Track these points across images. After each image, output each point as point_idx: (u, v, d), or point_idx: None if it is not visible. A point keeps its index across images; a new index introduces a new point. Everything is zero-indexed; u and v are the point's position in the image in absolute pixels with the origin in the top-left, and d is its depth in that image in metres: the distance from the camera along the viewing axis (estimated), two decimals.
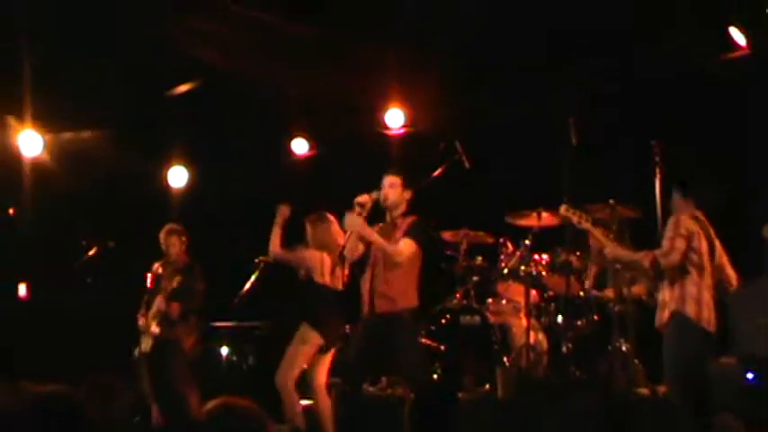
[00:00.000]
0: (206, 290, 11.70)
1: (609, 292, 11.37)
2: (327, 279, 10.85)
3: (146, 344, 11.75)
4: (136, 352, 11.90)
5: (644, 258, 8.70)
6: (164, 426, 11.03)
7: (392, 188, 9.64)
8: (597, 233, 9.08)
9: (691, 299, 8.56)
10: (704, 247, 8.66)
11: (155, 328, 11.59)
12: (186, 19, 12.42)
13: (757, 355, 10.62)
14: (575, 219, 9.27)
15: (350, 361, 9.81)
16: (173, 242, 11.88)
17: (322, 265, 10.85)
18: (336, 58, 13.24)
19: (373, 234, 9.47)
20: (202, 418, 4.97)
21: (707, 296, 8.62)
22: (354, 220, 9.45)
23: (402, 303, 9.51)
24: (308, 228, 11.05)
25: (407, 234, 9.50)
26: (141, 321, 11.82)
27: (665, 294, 8.66)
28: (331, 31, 12.75)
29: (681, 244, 8.56)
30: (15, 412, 3.62)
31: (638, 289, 11.02)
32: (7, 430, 3.60)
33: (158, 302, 11.62)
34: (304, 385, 10.84)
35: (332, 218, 10.96)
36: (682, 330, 8.58)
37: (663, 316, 8.67)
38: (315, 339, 10.69)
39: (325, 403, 10.67)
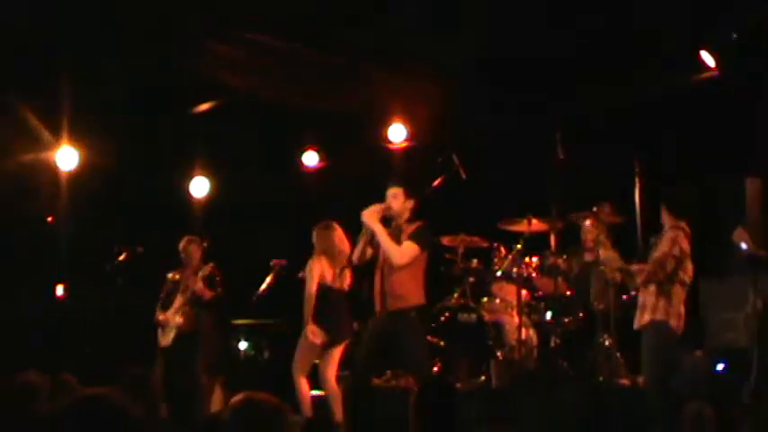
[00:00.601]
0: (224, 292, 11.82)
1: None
2: (330, 281, 10.99)
3: (166, 338, 11.82)
4: (159, 345, 11.94)
5: (639, 273, 8.91)
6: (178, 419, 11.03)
7: (395, 198, 9.70)
8: (608, 246, 9.26)
9: (675, 313, 8.83)
10: (690, 266, 8.90)
11: (178, 320, 11.67)
12: (208, 45, 12.54)
13: (726, 348, 10.76)
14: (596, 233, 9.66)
15: (361, 356, 9.90)
16: (193, 249, 11.98)
17: (323, 270, 11.02)
18: (343, 78, 13.35)
19: (383, 233, 9.54)
20: (227, 412, 5.10)
21: (683, 309, 8.90)
22: (371, 210, 9.57)
23: (412, 300, 9.64)
24: (315, 235, 11.15)
25: (411, 237, 9.57)
26: (161, 317, 11.91)
27: (648, 299, 8.85)
28: (337, 55, 12.85)
29: (671, 265, 8.79)
30: (62, 412, 3.68)
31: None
32: (53, 429, 3.67)
33: (181, 297, 11.72)
34: (317, 377, 11.03)
35: (336, 225, 11.10)
36: (664, 339, 8.88)
37: (644, 319, 8.87)
38: (319, 337, 10.89)
39: (335, 393, 10.82)
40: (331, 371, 10.93)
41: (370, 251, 9.83)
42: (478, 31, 11.98)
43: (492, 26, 11.87)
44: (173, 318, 11.71)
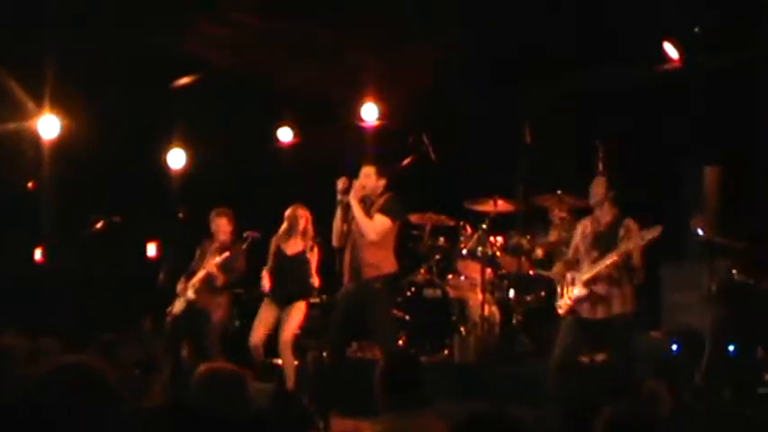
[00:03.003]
0: (247, 269, 11.69)
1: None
2: (287, 251, 11.25)
3: (178, 306, 11.66)
4: (167, 311, 11.78)
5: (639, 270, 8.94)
6: (173, 383, 11.04)
7: (368, 177, 9.73)
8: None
9: (631, 298, 8.89)
10: None
11: (191, 295, 11.54)
12: (189, 21, 12.51)
13: (681, 329, 10.85)
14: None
15: (331, 327, 9.96)
16: (222, 223, 11.74)
17: (279, 241, 11.34)
18: (319, 56, 13.33)
19: (358, 208, 9.60)
20: (191, 382, 5.13)
21: None
22: (355, 189, 9.66)
23: (384, 269, 9.69)
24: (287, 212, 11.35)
25: (381, 210, 9.65)
26: (181, 286, 11.73)
27: (612, 291, 8.88)
28: (315, 33, 12.84)
29: None
30: (41, 379, 3.67)
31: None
32: (31, 396, 3.65)
33: (200, 273, 11.52)
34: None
35: (302, 206, 11.32)
36: (632, 330, 8.96)
37: (613, 310, 8.89)
38: (266, 281, 11.22)
39: (290, 361, 10.90)
40: (287, 334, 10.96)
41: (344, 227, 9.88)
42: (454, 20, 11.98)
43: (466, 15, 11.88)
44: (186, 291, 11.61)
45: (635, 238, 8.62)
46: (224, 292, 11.65)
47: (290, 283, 11.20)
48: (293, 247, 11.27)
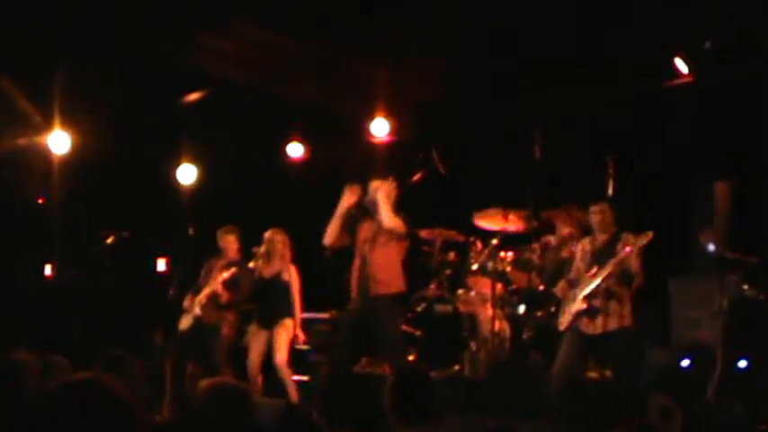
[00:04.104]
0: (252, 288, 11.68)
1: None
2: (264, 275, 11.45)
3: (185, 323, 11.70)
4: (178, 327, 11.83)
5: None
6: (175, 400, 11.09)
7: (380, 191, 9.88)
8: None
9: (629, 313, 8.90)
10: None
11: (198, 311, 11.56)
12: (198, 36, 12.52)
13: (692, 345, 10.82)
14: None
15: (339, 342, 9.97)
16: (230, 240, 11.79)
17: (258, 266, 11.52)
18: (330, 72, 13.34)
19: (386, 205, 9.80)
20: (196, 397, 5.12)
21: None
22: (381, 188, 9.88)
23: (392, 287, 9.74)
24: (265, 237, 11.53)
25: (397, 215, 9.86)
26: (188, 302, 11.74)
27: (611, 306, 8.89)
28: (325, 48, 12.83)
29: None
30: (52, 395, 3.65)
31: None
32: (42, 411, 3.63)
33: (207, 290, 11.54)
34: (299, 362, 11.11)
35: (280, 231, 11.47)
36: (634, 344, 8.95)
37: (610, 324, 8.89)
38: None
39: (286, 377, 10.99)
40: (280, 356, 11.04)
41: (347, 238, 9.91)
42: (463, 33, 11.97)
43: (475, 27, 11.88)
44: (194, 306, 11.62)
45: (629, 245, 8.69)
46: (231, 308, 11.66)
47: (272, 305, 11.34)
48: (270, 269, 11.41)
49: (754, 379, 9.42)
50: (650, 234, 8.62)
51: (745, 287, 9.89)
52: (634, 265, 8.78)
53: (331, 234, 10.04)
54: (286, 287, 11.29)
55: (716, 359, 9.45)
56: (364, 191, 10.16)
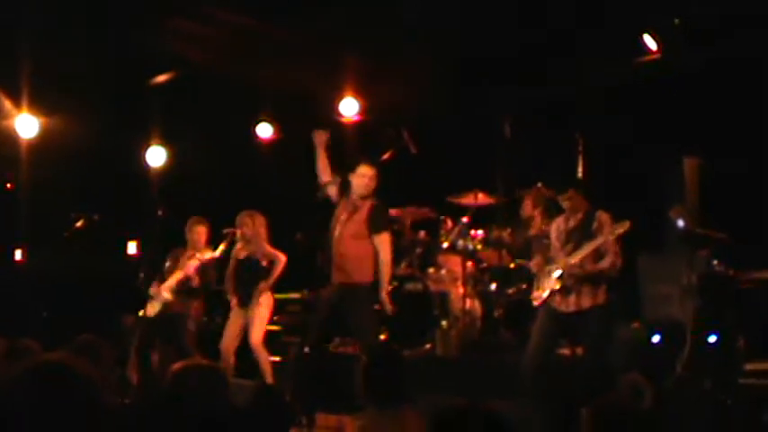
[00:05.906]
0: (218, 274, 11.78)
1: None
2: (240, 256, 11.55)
3: (152, 309, 11.68)
4: (140, 313, 11.85)
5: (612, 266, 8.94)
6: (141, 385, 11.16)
7: (368, 178, 10.02)
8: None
9: (603, 291, 8.90)
10: None
11: (168, 296, 11.57)
12: (168, 19, 12.44)
13: (661, 321, 10.84)
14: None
15: (314, 324, 9.99)
16: (200, 231, 11.78)
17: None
18: (298, 53, 13.29)
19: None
20: (168, 378, 5.09)
21: None
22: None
23: (367, 275, 9.82)
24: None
25: (378, 229, 9.99)
26: (154, 289, 11.71)
27: (575, 282, 8.88)
28: (294, 30, 12.77)
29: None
30: (18, 377, 3.62)
31: None
32: (9, 393, 3.60)
33: (177, 275, 11.56)
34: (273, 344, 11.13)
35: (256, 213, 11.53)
36: (604, 322, 8.96)
37: (583, 303, 8.90)
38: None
39: (262, 357, 11.08)
40: (255, 334, 11.12)
41: (334, 190, 9.96)
42: (435, 17, 11.94)
43: (447, 13, 11.86)
44: (163, 293, 11.59)
45: (605, 234, 8.69)
46: (200, 293, 11.68)
47: (247, 284, 11.36)
48: (245, 251, 11.50)
49: (723, 354, 9.44)
50: (628, 223, 8.62)
51: (715, 263, 9.91)
52: (611, 249, 8.79)
53: (323, 169, 10.15)
54: (262, 268, 11.34)
55: (686, 335, 9.47)
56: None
